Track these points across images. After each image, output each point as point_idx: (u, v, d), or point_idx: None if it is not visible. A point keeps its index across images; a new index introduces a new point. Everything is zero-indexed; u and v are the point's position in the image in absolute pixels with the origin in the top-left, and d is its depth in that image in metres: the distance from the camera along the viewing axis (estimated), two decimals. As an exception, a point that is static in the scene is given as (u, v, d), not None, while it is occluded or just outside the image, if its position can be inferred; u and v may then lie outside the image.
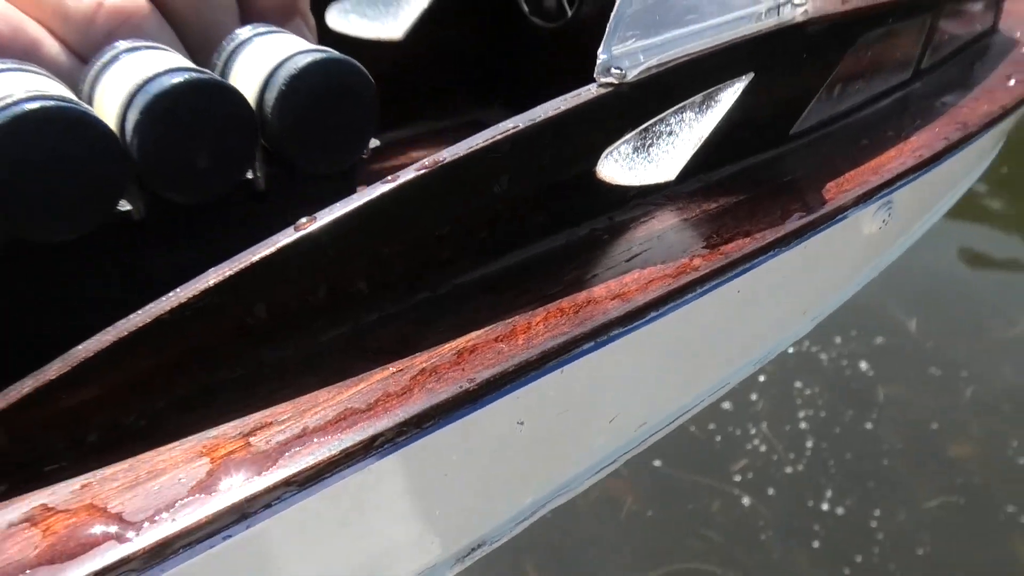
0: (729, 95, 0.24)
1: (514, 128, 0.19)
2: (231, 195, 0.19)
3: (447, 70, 0.34)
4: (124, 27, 0.21)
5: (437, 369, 0.17)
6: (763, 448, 1.76)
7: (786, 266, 0.24)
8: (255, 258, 0.16)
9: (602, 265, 0.21)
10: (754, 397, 1.88)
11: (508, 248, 0.21)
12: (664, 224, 0.23)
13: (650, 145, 0.23)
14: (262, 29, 0.20)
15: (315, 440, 0.15)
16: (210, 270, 0.16)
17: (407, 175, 0.18)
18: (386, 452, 0.16)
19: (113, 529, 0.14)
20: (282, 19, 0.24)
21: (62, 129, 0.15)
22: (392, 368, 0.17)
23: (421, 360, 0.18)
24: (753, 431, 1.81)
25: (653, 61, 0.21)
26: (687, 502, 1.66)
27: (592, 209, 0.23)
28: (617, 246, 0.22)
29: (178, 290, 0.16)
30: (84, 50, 0.21)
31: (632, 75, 0.21)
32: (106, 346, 0.15)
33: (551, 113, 0.20)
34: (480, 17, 0.34)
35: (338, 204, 0.18)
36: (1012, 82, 0.39)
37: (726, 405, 1.88)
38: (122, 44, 0.19)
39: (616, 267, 0.21)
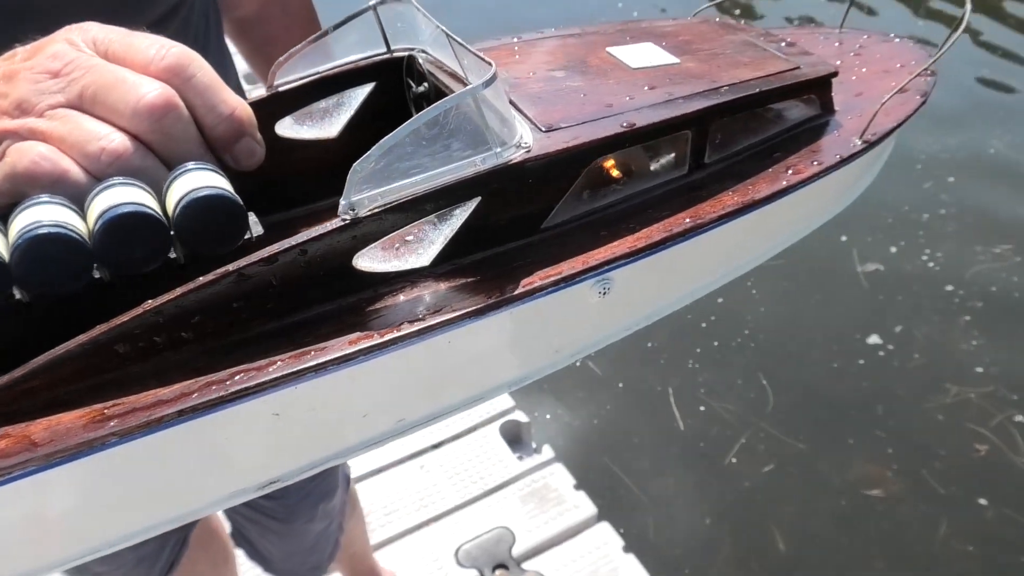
0: (461, 212, 0.34)
1: (287, 246, 0.31)
2: (163, 267, 0.31)
3: (363, 151, 0.42)
4: (117, 161, 0.32)
5: (221, 380, 0.29)
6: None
7: (489, 330, 0.34)
8: (137, 311, 0.29)
9: (354, 324, 0.32)
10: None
11: (290, 312, 0.32)
12: (408, 297, 0.33)
13: (399, 248, 0.34)
14: (192, 167, 0.32)
15: (141, 413, 0.28)
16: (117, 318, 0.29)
17: (218, 273, 0.30)
18: (193, 417, 0.29)
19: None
20: (235, 141, 0.35)
21: (63, 245, 0.28)
22: (202, 379, 0.29)
23: (221, 375, 0.29)
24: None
25: (381, 201, 0.32)
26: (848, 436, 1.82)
27: (360, 285, 0.33)
28: (370, 313, 0.33)
29: (111, 322, 0.29)
30: (97, 174, 0.32)
31: (363, 212, 0.32)
32: (59, 353, 0.28)
33: (304, 239, 0.31)
34: (397, 115, 0.43)
35: (181, 287, 0.29)
36: (790, 171, 0.40)
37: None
38: (112, 180, 0.30)
39: (362, 324, 0.32)
